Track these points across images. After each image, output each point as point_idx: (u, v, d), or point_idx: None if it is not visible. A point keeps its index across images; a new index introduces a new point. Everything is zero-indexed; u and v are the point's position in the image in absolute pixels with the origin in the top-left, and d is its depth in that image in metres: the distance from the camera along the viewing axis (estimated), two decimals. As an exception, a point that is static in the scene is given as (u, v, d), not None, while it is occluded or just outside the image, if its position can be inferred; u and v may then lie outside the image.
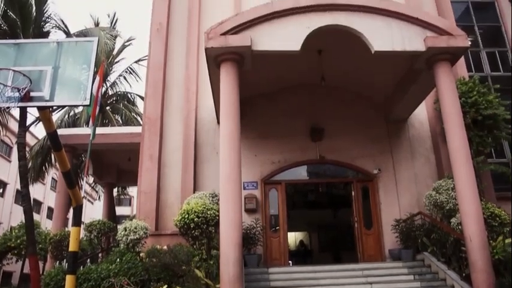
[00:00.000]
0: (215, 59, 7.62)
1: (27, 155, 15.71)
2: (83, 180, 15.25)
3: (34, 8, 15.11)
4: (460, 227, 7.55)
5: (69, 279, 6.52)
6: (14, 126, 20.28)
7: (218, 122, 9.61)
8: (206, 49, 7.50)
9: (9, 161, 26.36)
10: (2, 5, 14.29)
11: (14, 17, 14.48)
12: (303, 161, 10.26)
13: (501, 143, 10.91)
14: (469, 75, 10.93)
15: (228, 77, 7.42)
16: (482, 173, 9.52)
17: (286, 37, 7.62)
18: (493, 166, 9.73)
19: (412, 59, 8.31)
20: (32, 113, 16.39)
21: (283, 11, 7.71)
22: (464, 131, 7.45)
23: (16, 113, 17.46)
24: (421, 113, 10.69)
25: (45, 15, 15.61)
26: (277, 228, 9.86)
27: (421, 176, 10.19)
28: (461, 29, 8.10)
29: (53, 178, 30.16)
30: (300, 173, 10.45)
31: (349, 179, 10.45)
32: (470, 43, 8.14)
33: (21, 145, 12.60)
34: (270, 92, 10.31)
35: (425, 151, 10.47)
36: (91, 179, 19.04)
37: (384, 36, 7.84)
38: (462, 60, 10.58)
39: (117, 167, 15.82)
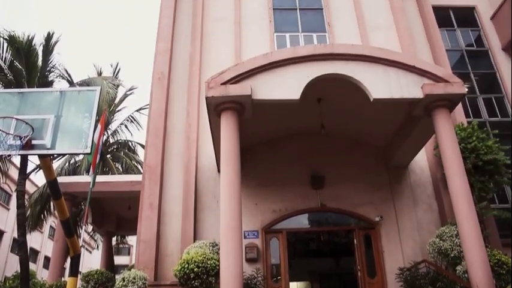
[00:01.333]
0: (216, 107, 7.70)
1: (26, 202, 15.60)
2: (81, 228, 15.06)
3: (40, 58, 15.47)
4: (466, 275, 7.37)
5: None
6: (14, 173, 20.25)
7: (218, 170, 9.59)
8: (207, 98, 7.58)
9: (8, 209, 26.14)
10: (9, 56, 14.64)
11: (20, 66, 14.80)
12: (304, 209, 10.13)
13: (503, 188, 10.84)
14: (468, 121, 11.03)
15: (228, 126, 7.46)
16: (485, 219, 9.40)
17: (286, 86, 7.72)
18: (496, 212, 9.62)
19: (411, 106, 8.38)
20: (33, 161, 16.38)
21: (282, 60, 7.85)
22: (465, 177, 7.40)
23: (17, 160, 17.51)
24: (422, 159, 10.69)
25: (50, 65, 15.96)
26: (279, 278, 9.61)
27: (424, 222, 10.06)
28: (457, 76, 8.23)
29: (51, 226, 29.82)
30: (301, 222, 10.30)
31: (351, 227, 10.29)
32: (467, 90, 8.24)
33: (21, 193, 12.54)
34: (270, 139, 10.35)
35: (427, 197, 10.38)
36: (90, 228, 18.81)
37: (382, 84, 7.94)
38: (460, 106, 10.70)
39: (116, 216, 15.67)
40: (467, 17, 14.27)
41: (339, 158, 10.37)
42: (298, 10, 12.48)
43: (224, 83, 7.60)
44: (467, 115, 11.75)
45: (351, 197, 10.14)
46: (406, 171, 10.61)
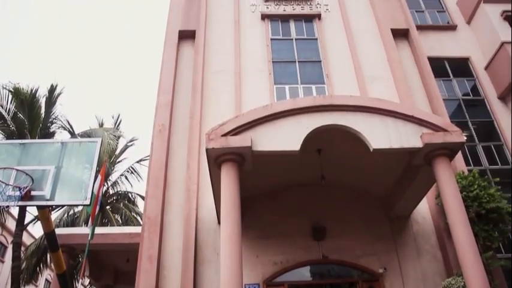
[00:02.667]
0: (216, 159, 7.71)
1: (22, 255, 15.32)
2: (78, 282, 14.71)
3: (43, 110, 15.68)
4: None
5: None
6: (12, 225, 20.02)
7: (219, 222, 9.47)
8: (207, 150, 7.61)
9: (3, 262, 25.60)
10: (13, 107, 14.84)
11: (23, 117, 14.97)
12: (306, 261, 9.92)
13: (508, 237, 10.67)
14: (468, 169, 11.00)
15: (228, 178, 7.44)
16: (493, 270, 9.19)
17: (286, 137, 7.77)
18: (503, 262, 9.42)
19: (411, 155, 8.41)
20: (31, 212, 16.24)
21: (282, 112, 7.95)
22: (469, 226, 7.31)
23: (15, 211, 17.35)
24: (424, 208, 10.59)
25: (53, 116, 16.17)
26: (281, 333, 9.30)
27: (429, 273, 9.82)
28: (455, 125, 8.30)
29: (46, 280, 29.10)
30: (303, 274, 10.06)
31: (354, 279, 10.04)
32: (465, 138, 8.29)
33: (17, 245, 12.36)
34: (271, 191, 10.30)
35: (431, 248, 10.20)
36: (87, 281, 18.36)
37: (381, 135, 7.99)
38: (460, 154, 10.71)
39: (115, 268, 15.34)
40: (462, 68, 14.56)
41: (340, 209, 10.28)
42: (297, 62, 12.77)
43: (224, 135, 7.65)
44: (467, 163, 11.75)
45: (353, 248, 9.96)
46: (408, 221, 10.48)
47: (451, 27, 15.58)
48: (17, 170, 6.40)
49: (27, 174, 6.24)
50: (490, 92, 13.79)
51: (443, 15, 16.29)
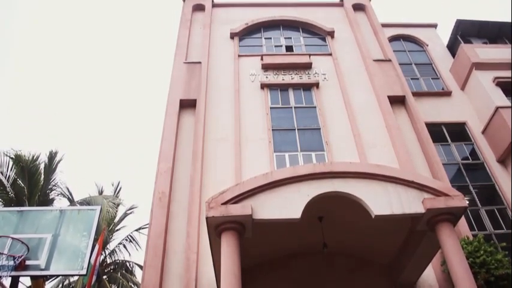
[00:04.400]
0: (216, 228, 7.61)
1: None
2: None
3: (43, 177, 15.68)
4: None
5: None
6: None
7: (219, 292, 9.18)
8: (207, 218, 7.53)
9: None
10: (13, 174, 14.86)
11: (22, 185, 14.93)
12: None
13: (521, 306, 10.29)
14: (473, 234, 10.82)
15: (229, 247, 7.31)
16: None
17: (286, 205, 7.73)
18: (515, 333, 9.03)
19: (413, 221, 8.32)
20: (24, 283, 15.77)
21: (282, 180, 7.96)
22: (478, 296, 7.08)
23: (7, 281, 16.83)
24: (430, 275, 10.28)
25: (52, 183, 16.15)
26: None
27: None
28: (457, 189, 8.28)
29: None
30: None
31: None
32: (468, 203, 8.24)
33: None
34: (271, 259, 10.06)
35: (440, 318, 9.82)
36: None
37: (382, 201, 7.96)
38: (463, 219, 10.61)
39: None
40: (459, 132, 14.79)
41: (343, 278, 9.96)
42: (296, 130, 12.94)
43: (225, 203, 7.60)
44: (471, 228, 11.59)
45: (359, 321, 9.58)
46: (414, 290, 10.15)
47: (446, 93, 15.99)
48: (13, 238, 6.28)
49: (23, 242, 6.14)
50: (488, 155, 13.89)
51: (438, 82, 16.79)
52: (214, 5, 17.99)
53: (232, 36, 16.34)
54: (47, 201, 15.95)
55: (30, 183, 14.99)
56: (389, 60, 15.22)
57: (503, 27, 18.32)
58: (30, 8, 48.69)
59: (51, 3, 50.45)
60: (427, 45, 18.41)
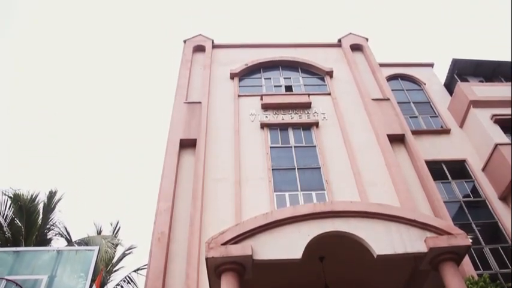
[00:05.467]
0: (216, 269, 7.52)
1: None
2: None
3: (41, 216, 15.54)
4: None
5: None
6: None
7: (219, 336, 8.92)
8: (207, 259, 7.46)
9: None
10: (11, 213, 14.74)
11: (20, 224, 14.79)
12: None
13: None
14: (478, 274, 10.60)
15: (229, 289, 7.19)
16: None
17: (287, 245, 7.67)
18: None
19: (416, 261, 8.22)
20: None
21: (283, 220, 7.92)
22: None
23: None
24: (436, 318, 10.03)
25: (50, 223, 15.99)
26: None
27: None
28: (459, 227, 8.22)
29: None
30: None
31: None
32: (471, 241, 8.16)
33: None
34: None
35: None
36: None
37: (384, 240, 7.90)
38: (467, 258, 10.42)
39: None
40: (459, 169, 14.78)
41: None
42: (296, 169, 12.93)
43: (225, 243, 7.54)
44: (476, 267, 11.36)
45: None
46: (421, 333, 9.87)
47: (445, 131, 16.09)
48: (7, 280, 6.16)
49: (17, 284, 6.00)
50: (490, 192, 13.82)
51: (437, 120, 16.92)
52: (214, 46, 18.37)
53: (232, 76, 16.61)
54: (45, 241, 15.76)
55: (28, 223, 14.85)
56: (388, 99, 15.40)
57: (498, 66, 18.64)
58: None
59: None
60: (425, 84, 18.68)
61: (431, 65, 19.99)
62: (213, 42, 18.45)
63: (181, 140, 13.47)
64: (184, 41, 18.34)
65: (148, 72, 58.81)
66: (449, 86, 18.38)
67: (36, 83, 52.05)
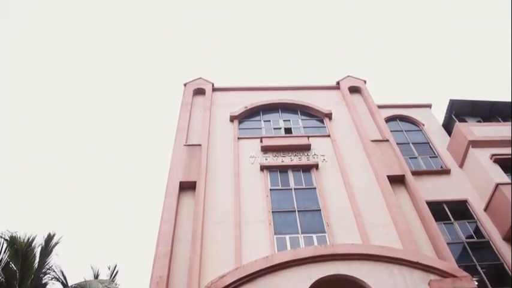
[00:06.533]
0: (216, 316, 7.35)
1: None
2: None
3: (37, 260, 15.29)
4: None
5: None
6: None
7: None
8: (207, 305, 7.29)
9: None
10: (6, 257, 14.50)
11: (15, 268, 14.53)
12: None
13: None
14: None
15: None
16: None
17: (288, 290, 7.52)
18: None
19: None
20: None
21: (283, 263, 7.85)
22: None
23: None
24: None
25: (47, 266, 15.70)
26: None
27: None
28: (463, 269, 8.09)
29: None
30: None
31: None
32: (476, 284, 8.01)
33: None
34: None
35: None
36: None
37: (387, 283, 7.82)
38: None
39: None
40: (461, 210, 14.65)
41: None
42: (297, 212, 12.81)
43: (225, 288, 7.42)
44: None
45: None
46: None
47: (445, 171, 16.08)
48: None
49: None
50: (494, 233, 13.65)
51: (436, 160, 16.95)
52: (214, 89, 18.66)
53: (232, 119, 16.78)
54: (40, 286, 15.41)
55: (23, 267, 14.57)
56: (387, 140, 15.48)
57: (495, 106, 18.87)
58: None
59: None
60: (423, 125, 18.83)
61: (429, 106, 20.21)
62: (213, 85, 18.75)
63: (181, 183, 13.43)
64: (185, 84, 18.65)
65: (147, 113, 59.29)
66: (448, 126, 18.54)
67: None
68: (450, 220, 14.21)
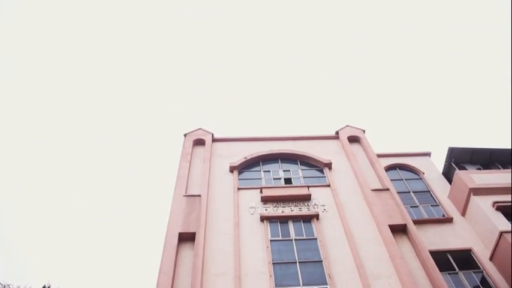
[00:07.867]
0: None
1: None
2: None
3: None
4: None
5: None
6: None
7: None
8: None
9: None
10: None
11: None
12: None
13: None
14: None
15: None
16: None
17: None
18: None
19: None
20: None
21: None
22: None
23: None
24: None
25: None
26: None
27: None
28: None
29: None
30: None
31: None
32: None
33: None
34: None
35: None
36: None
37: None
38: None
39: None
40: (466, 259, 14.38)
41: None
42: (297, 263, 12.53)
43: None
44: None
45: None
46: None
47: (448, 220, 15.93)
48: None
49: None
50: (501, 282, 13.33)
51: (438, 208, 16.83)
52: (214, 140, 18.80)
53: (232, 169, 16.79)
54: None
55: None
56: (388, 189, 15.39)
57: (493, 153, 18.92)
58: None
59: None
60: (423, 173, 18.82)
61: (428, 154, 20.29)
62: (212, 135, 18.91)
63: (180, 234, 13.26)
64: (185, 135, 18.82)
65: (147, 164, 59.28)
66: (448, 174, 18.53)
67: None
68: (455, 270, 13.92)
